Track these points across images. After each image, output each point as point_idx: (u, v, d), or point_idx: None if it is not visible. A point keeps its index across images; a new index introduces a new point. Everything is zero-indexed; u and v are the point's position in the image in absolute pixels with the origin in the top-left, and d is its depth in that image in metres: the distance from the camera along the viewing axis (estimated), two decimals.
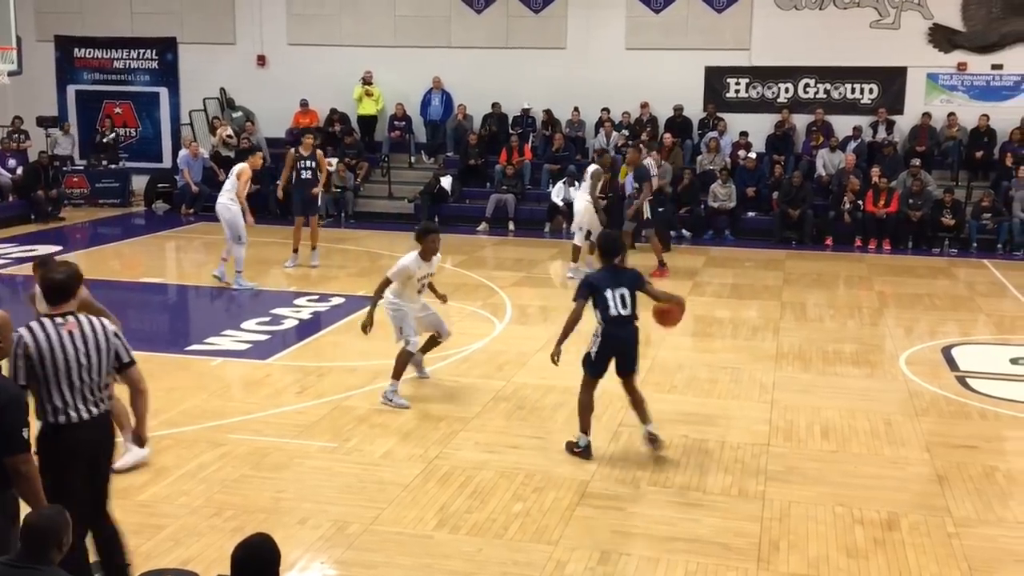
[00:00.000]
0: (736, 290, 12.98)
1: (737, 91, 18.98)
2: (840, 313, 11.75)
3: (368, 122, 20.26)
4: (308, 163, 13.43)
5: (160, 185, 19.87)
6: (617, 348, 6.87)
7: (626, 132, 18.91)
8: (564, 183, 17.75)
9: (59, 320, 4.62)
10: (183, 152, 19.30)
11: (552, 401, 8.15)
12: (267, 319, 10.70)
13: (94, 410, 4.61)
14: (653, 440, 6.99)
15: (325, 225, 18.32)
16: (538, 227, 17.37)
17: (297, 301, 11.71)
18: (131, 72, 21.56)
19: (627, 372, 6.95)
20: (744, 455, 7.08)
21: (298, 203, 13.53)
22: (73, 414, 4.56)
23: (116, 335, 4.71)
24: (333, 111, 20.17)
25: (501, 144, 18.96)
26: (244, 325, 10.41)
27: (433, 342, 8.44)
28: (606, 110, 19.02)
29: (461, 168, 18.94)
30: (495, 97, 19.60)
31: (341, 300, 11.76)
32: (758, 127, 18.55)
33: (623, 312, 6.82)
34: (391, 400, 7.90)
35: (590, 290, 6.84)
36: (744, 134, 18.34)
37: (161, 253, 15.71)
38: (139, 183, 20.11)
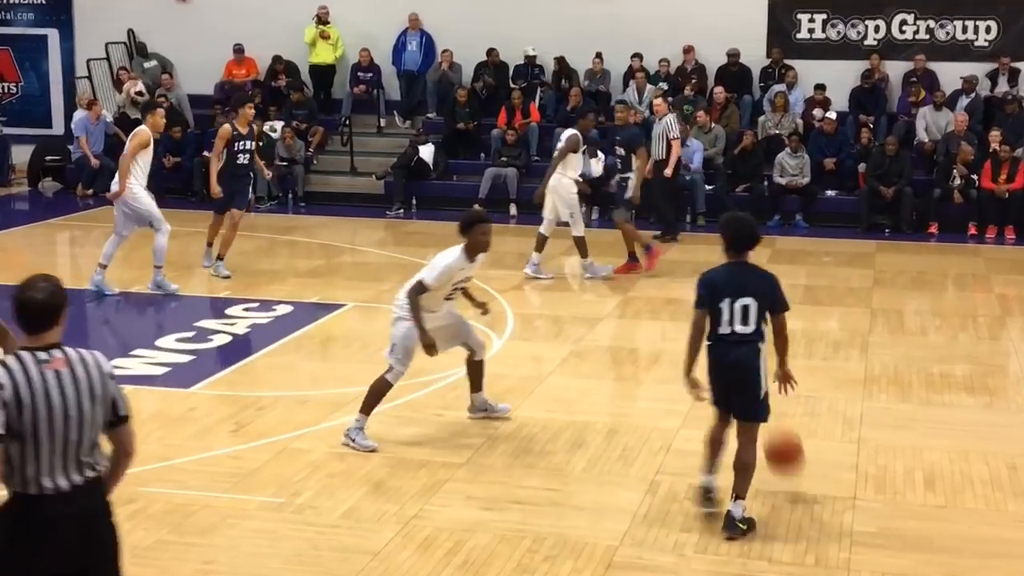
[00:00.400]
0: (811, 294, 12.99)
1: (811, 31, 19.03)
2: (949, 323, 11.77)
3: (324, 74, 20.31)
4: (246, 143, 12.96)
5: (49, 158, 19.94)
6: (724, 377, 6.62)
7: (664, 85, 18.93)
8: (584, 153, 17.75)
9: (42, 356, 4.36)
10: (79, 114, 19.35)
11: (567, 440, 8.16)
12: (191, 334, 10.72)
13: (77, 478, 4.38)
14: (735, 528, 6.63)
15: (268, 209, 18.40)
16: None
17: (231, 310, 11.72)
18: (9, 9, 21.61)
19: (741, 416, 6.64)
20: (823, 512, 7.08)
21: (226, 196, 13.03)
22: (48, 483, 4.33)
23: (112, 376, 4.55)
24: (277, 59, 20.23)
25: (499, 102, 19.00)
26: (161, 342, 10.43)
27: (474, 367, 8.37)
28: (638, 56, 19.06)
29: (447, 134, 18.98)
30: (491, 41, 19.65)
31: (288, 309, 11.78)
32: (839, 78, 18.60)
33: (740, 329, 6.55)
34: (354, 439, 7.92)
35: (711, 295, 6.56)
36: (820, 88, 18.38)
37: (50, 247, 15.72)
38: (21, 155, 20.17)
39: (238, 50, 20.32)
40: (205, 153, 18.70)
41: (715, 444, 6.81)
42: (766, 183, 17.45)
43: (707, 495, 6.91)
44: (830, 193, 17.53)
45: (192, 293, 12.63)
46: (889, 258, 15.11)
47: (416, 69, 19.98)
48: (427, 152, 18.46)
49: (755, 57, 19.07)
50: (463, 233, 7.89)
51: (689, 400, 8.64)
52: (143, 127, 12.18)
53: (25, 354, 4.35)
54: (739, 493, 6.65)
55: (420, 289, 7.84)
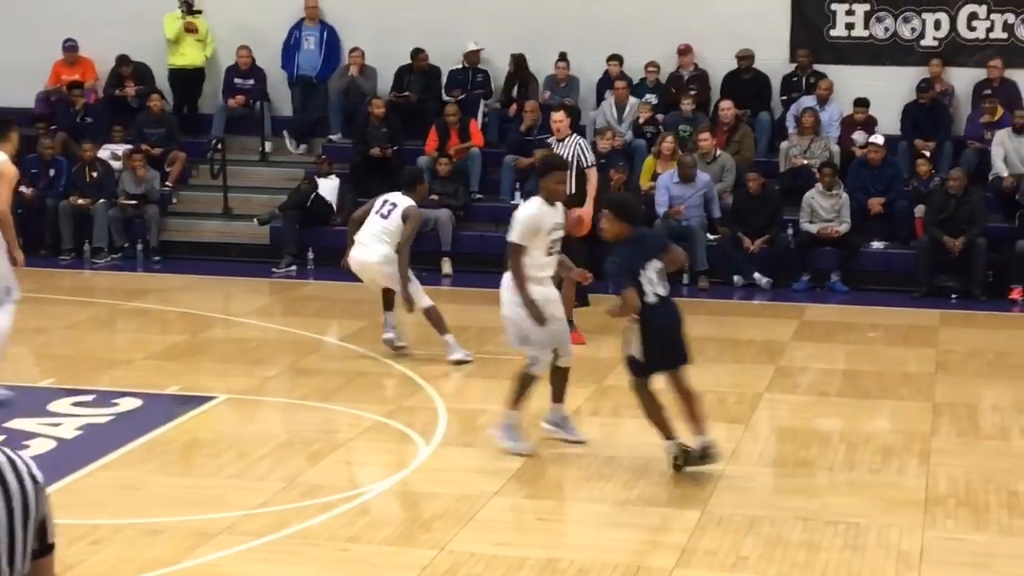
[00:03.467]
0: (852, 382, 13.06)
1: (850, 27, 19.29)
2: None
3: (189, 79, 20.37)
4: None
5: None
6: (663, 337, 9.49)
7: (652, 98, 19.10)
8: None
9: None
10: None
11: None
12: None
13: None
14: (707, 455, 9.50)
15: (107, 265, 18.26)
16: (493, 267, 17.36)
17: (54, 405, 11.63)
18: None
19: (680, 364, 9.57)
20: None
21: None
22: None
23: (44, 488, 4.38)
24: (123, 60, 20.23)
25: (428, 120, 19.08)
26: None
27: (559, 375, 10.43)
28: (617, 59, 19.22)
29: (356, 163, 19.02)
30: (418, 37, 19.80)
31: (135, 403, 11.70)
32: (887, 91, 18.89)
33: (660, 292, 9.41)
34: (510, 440, 10.11)
35: (632, 274, 9.23)
36: (863, 103, 18.61)
37: None
38: None
39: (69, 47, 20.29)
40: (23, 189, 18.62)
41: (662, 408, 9.67)
42: (791, 231, 17.56)
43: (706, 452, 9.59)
44: (876, 245, 17.70)
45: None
46: (957, 334, 15.23)
47: (314, 74, 20.05)
48: (329, 188, 18.47)
49: (775, 61, 19.30)
50: (541, 176, 10.06)
51: (691, 528, 8.64)
52: (3, 158, 11.59)
53: None
54: (700, 429, 9.66)
55: (517, 251, 9.85)
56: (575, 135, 14.77)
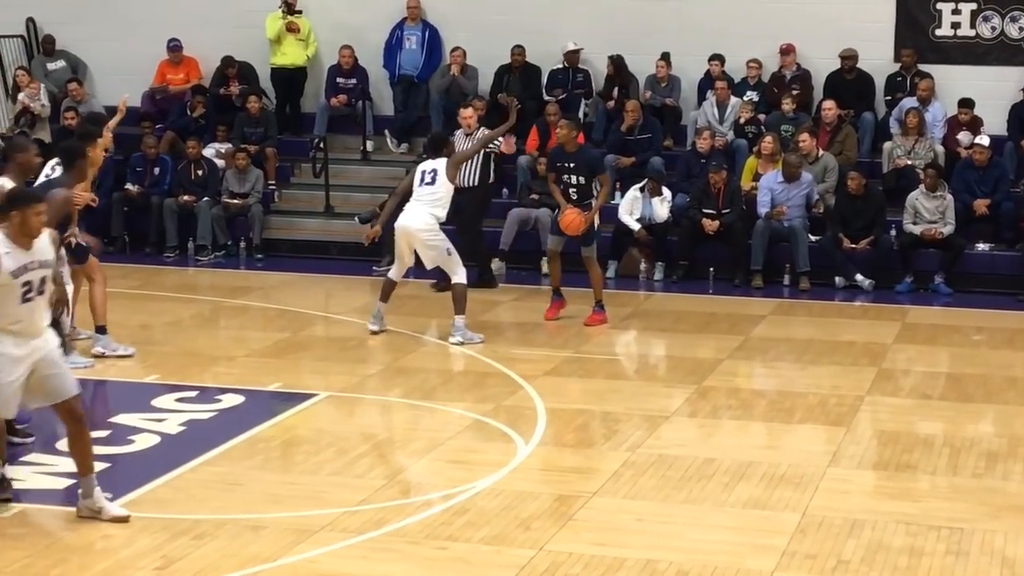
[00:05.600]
0: (956, 386, 12.93)
1: (956, 26, 19.08)
2: None
3: (290, 79, 20.48)
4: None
5: None
6: None
7: (754, 97, 18.99)
8: (643, 190, 17.81)
9: None
10: None
11: None
12: (104, 433, 10.69)
13: None
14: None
15: (211, 263, 18.46)
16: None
17: (159, 401, 11.73)
18: None
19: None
20: None
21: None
22: None
23: None
24: (228, 61, 20.40)
25: (529, 119, 19.07)
26: (63, 444, 10.39)
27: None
28: (718, 59, 19.13)
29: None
30: (519, 37, 19.80)
31: (237, 400, 11.79)
32: (993, 90, 18.67)
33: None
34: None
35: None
36: (968, 103, 18.41)
37: None
38: None
39: (174, 47, 20.50)
40: (128, 186, 18.87)
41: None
42: (894, 233, 17.40)
43: None
44: (982, 247, 17.51)
45: (106, 376, 12.63)
46: None
47: (416, 74, 20.11)
48: None
49: (879, 61, 19.13)
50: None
51: (791, 531, 8.58)
52: (83, 163, 12.09)
53: None
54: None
55: None
56: (482, 128, 16.33)
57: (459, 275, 13.95)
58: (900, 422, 11.60)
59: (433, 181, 13.91)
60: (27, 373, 8.52)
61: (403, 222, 13.96)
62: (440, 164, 14.00)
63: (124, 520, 8.74)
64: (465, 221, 16.31)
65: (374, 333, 14.19)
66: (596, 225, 15.11)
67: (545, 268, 17.44)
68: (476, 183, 16.41)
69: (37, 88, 20.10)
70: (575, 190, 14.58)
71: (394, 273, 14.34)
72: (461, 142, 16.23)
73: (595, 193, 14.76)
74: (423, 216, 13.81)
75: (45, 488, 9.51)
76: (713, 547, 8.73)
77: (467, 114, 16.69)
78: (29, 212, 8.37)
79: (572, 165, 14.58)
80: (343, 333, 14.69)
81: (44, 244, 8.59)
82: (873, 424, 11.57)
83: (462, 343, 13.84)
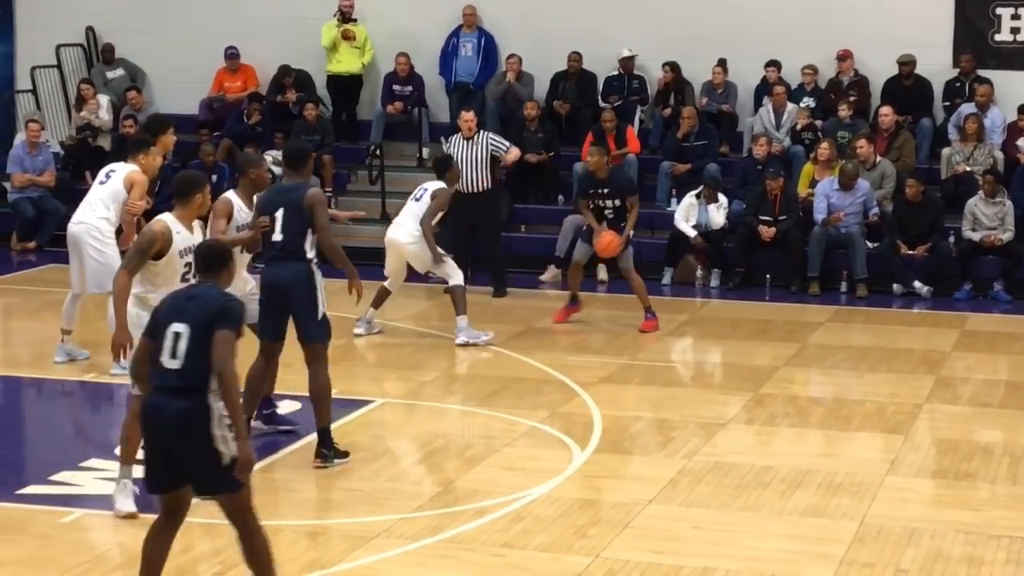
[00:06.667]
0: (1016, 393, 12.86)
1: (1016, 31, 18.95)
2: None
3: (347, 86, 20.54)
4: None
5: None
6: None
7: (811, 103, 18.89)
8: (699, 196, 17.77)
9: None
10: (19, 141, 19.67)
11: None
12: None
13: None
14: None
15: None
16: (652, 274, 17.37)
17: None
18: None
19: None
20: None
21: None
22: None
23: None
24: (285, 70, 20.47)
25: (584, 126, 19.06)
26: (118, 451, 10.46)
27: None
28: (775, 65, 19.07)
29: (513, 169, 19.03)
30: (574, 43, 19.80)
31: (293, 406, 11.84)
32: None
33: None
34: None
35: None
36: None
37: None
38: None
39: (232, 55, 20.60)
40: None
41: None
42: (952, 239, 17.30)
43: None
44: None
45: None
46: None
47: (472, 81, 20.13)
48: None
49: (937, 66, 19.01)
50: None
51: (849, 539, 8.53)
52: (135, 171, 12.17)
53: None
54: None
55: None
56: (483, 131, 16.72)
57: (455, 278, 14.18)
58: (959, 430, 11.54)
59: (420, 199, 14.27)
60: None
61: (390, 235, 14.51)
62: (432, 186, 14.28)
63: (133, 517, 8.87)
64: (492, 228, 16.83)
65: (358, 336, 14.39)
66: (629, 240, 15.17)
67: (602, 274, 17.47)
68: (488, 186, 16.55)
69: (97, 104, 20.19)
70: (611, 212, 14.77)
71: (390, 283, 14.65)
72: (460, 145, 16.40)
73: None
74: (407, 228, 14.22)
75: (104, 493, 9.57)
76: (770, 555, 8.72)
77: (467, 117, 16.73)
78: (206, 192, 9.31)
79: (606, 191, 14.81)
80: (399, 340, 14.72)
81: (199, 231, 9.31)
82: (932, 432, 11.51)
83: (467, 343, 14.00)
